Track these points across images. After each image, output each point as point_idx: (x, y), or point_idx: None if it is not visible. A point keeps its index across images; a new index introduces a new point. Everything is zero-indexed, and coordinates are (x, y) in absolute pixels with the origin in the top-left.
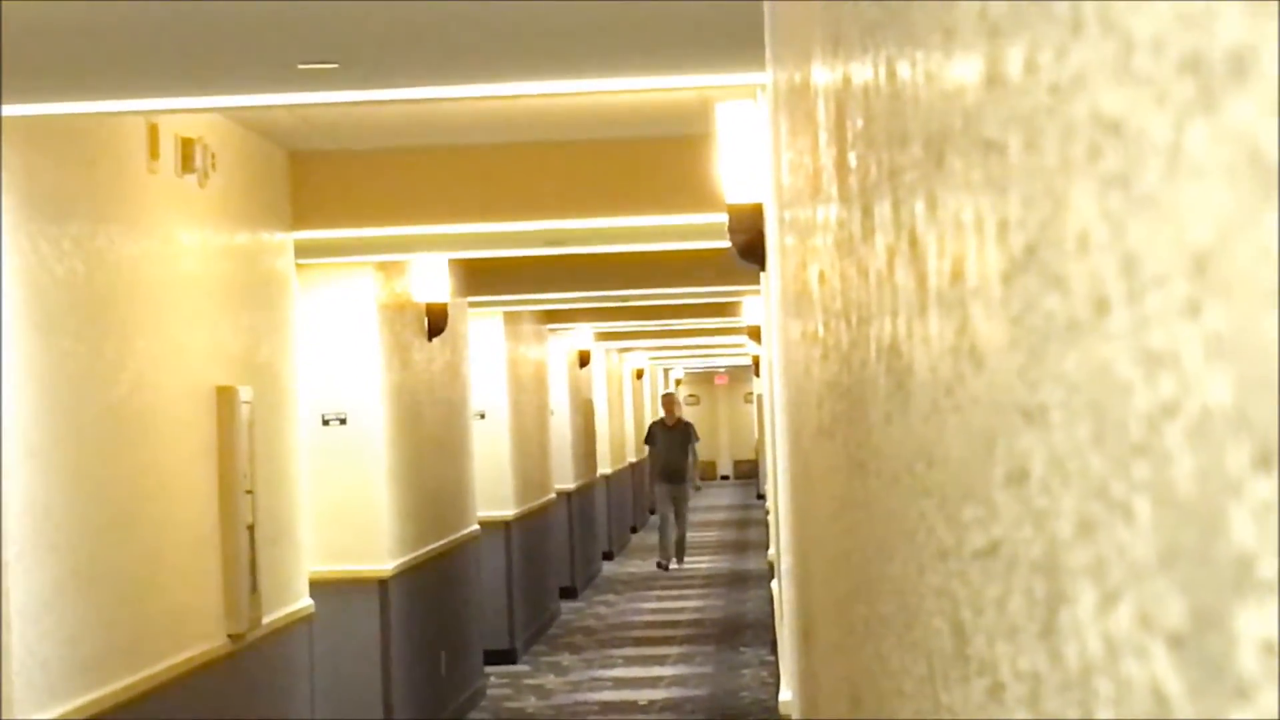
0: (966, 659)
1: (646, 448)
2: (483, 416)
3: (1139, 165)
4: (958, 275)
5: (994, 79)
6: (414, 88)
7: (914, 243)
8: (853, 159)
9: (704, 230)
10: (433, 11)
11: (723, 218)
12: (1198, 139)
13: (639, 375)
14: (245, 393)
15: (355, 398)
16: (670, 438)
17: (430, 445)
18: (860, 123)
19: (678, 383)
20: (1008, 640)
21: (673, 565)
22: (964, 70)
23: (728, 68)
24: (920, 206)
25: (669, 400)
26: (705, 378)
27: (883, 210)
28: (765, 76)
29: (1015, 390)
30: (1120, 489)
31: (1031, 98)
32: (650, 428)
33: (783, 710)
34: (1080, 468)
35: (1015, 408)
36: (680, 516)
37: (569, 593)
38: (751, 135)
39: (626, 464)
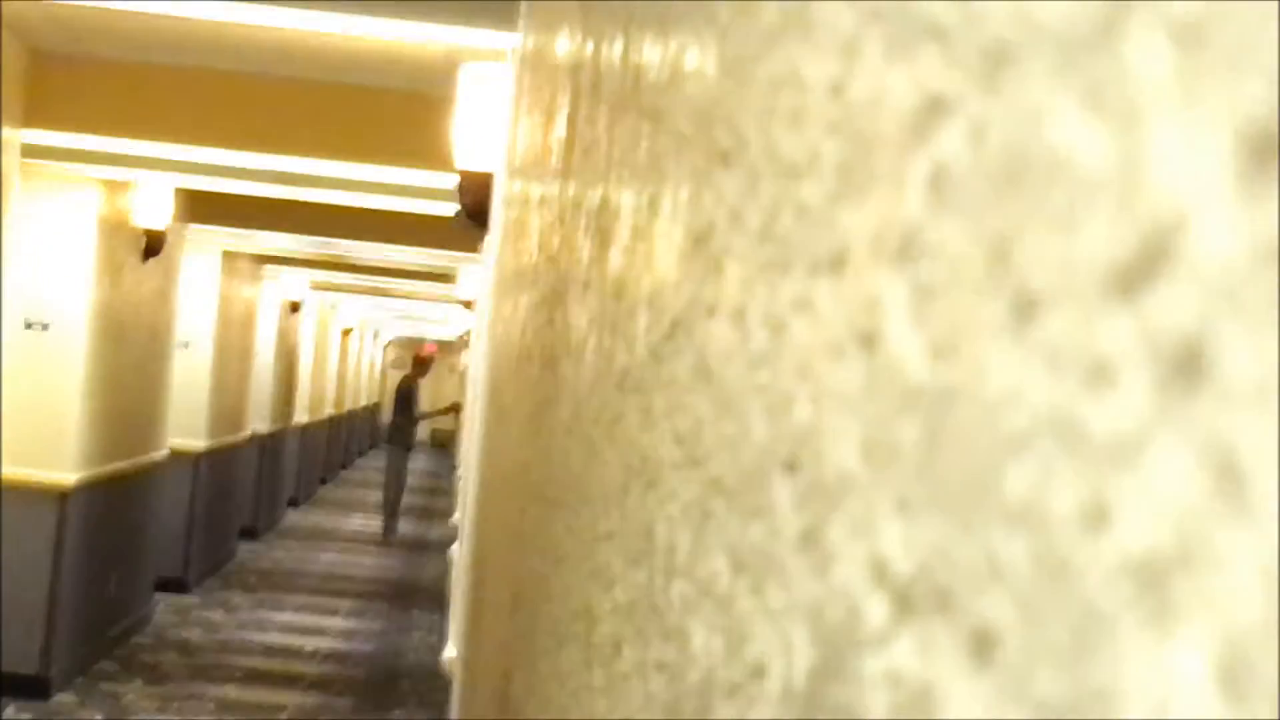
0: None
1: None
2: (186, 346)
3: None
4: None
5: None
6: None
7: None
8: (583, 138)
9: (434, 192)
10: None
11: (452, 180)
12: None
13: (347, 334)
14: None
15: (61, 307)
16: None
17: (130, 366)
18: (593, 102)
19: (386, 347)
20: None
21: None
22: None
23: (480, 22)
24: (630, 198)
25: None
26: (413, 345)
27: (594, 193)
28: (516, 39)
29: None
30: None
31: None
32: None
33: (445, 667)
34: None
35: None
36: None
37: (250, 533)
38: (492, 99)
39: (325, 416)
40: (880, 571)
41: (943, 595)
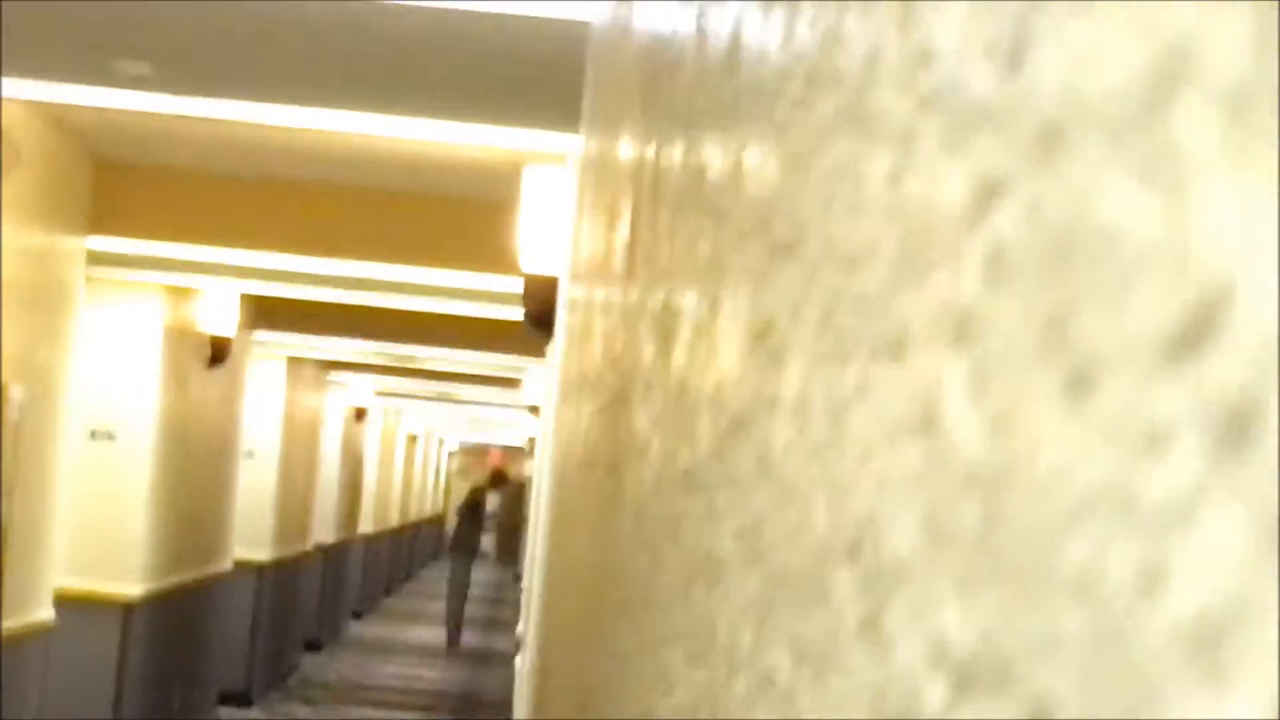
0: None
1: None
2: (251, 455)
3: None
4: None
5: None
6: (225, 100)
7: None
8: (645, 240)
9: (500, 297)
10: (250, 24)
11: (519, 285)
12: None
13: (412, 440)
14: (16, 392)
15: (126, 416)
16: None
17: (195, 475)
18: (655, 203)
19: (451, 455)
20: None
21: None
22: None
23: (542, 125)
24: (692, 297)
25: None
26: (479, 452)
27: (657, 295)
28: (578, 142)
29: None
30: None
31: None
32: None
33: None
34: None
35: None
36: None
37: (314, 645)
38: (556, 203)
39: (389, 526)
40: (940, 652)
41: (1002, 671)
